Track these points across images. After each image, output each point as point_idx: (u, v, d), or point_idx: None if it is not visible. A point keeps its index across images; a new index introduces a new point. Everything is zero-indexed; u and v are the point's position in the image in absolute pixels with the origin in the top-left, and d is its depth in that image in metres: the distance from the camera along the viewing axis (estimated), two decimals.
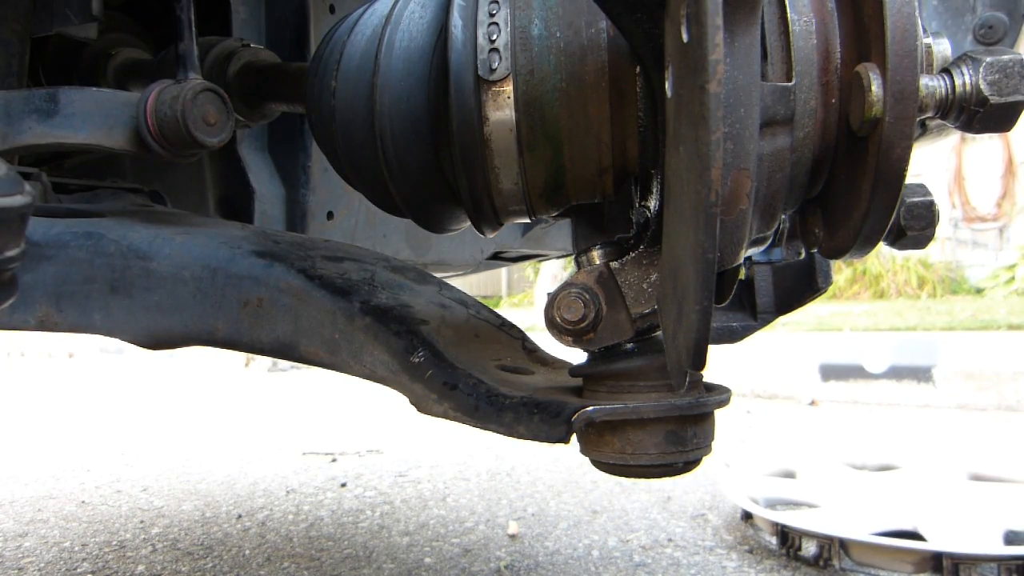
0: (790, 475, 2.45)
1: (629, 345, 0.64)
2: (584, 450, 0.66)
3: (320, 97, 0.76)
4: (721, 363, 4.17)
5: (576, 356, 0.69)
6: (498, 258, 1.77)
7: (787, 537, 1.89)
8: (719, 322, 0.86)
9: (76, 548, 2.07)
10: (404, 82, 0.69)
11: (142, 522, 2.30)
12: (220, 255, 0.82)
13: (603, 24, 0.61)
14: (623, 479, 1.37)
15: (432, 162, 0.71)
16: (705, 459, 0.66)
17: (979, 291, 9.33)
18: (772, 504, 2.21)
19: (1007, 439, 3.28)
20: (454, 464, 2.98)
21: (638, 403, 0.61)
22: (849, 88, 0.51)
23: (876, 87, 0.48)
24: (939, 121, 0.53)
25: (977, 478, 2.31)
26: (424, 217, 0.78)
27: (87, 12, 0.92)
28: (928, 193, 0.65)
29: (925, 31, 0.54)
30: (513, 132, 0.63)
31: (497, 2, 0.63)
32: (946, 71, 0.51)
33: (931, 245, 0.77)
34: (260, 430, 3.90)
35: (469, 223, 0.76)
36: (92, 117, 0.86)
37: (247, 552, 2.00)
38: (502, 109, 0.62)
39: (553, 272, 9.56)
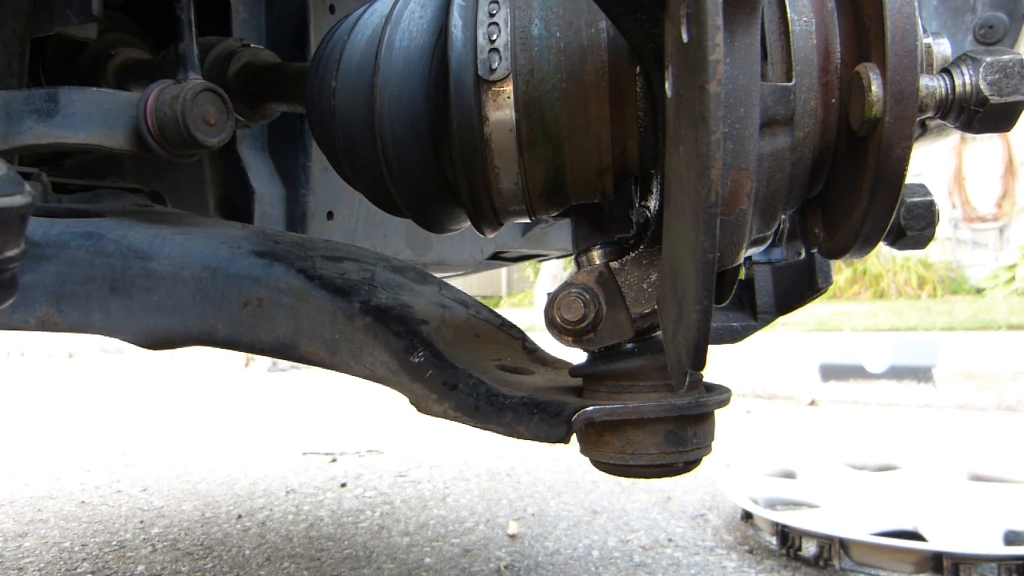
0: (790, 475, 2.45)
1: (629, 345, 0.64)
2: (584, 450, 0.66)
3: (320, 97, 0.76)
4: (721, 363, 4.17)
5: (576, 356, 0.69)
6: (498, 258, 1.77)
7: (787, 537, 1.89)
8: (719, 322, 0.86)
9: (76, 548, 2.07)
10: (404, 82, 0.69)
11: (142, 522, 2.30)
12: (220, 255, 0.82)
13: (603, 24, 0.61)
14: (623, 479, 1.37)
15: (432, 162, 0.71)
16: (705, 459, 0.66)
17: (979, 291, 9.33)
18: (772, 504, 2.21)
19: (1007, 439, 3.28)
20: (454, 464, 2.98)
21: (638, 403, 0.61)
22: (849, 88, 0.51)
23: (876, 87, 0.48)
24: (939, 121, 0.53)
25: (977, 478, 2.31)
26: (424, 217, 0.78)
27: (87, 12, 0.92)
28: (928, 193, 0.65)
29: (925, 31, 0.54)
30: (513, 132, 0.63)
31: (497, 2, 0.63)
32: (946, 71, 0.51)
33: (931, 245, 0.77)
34: (260, 430, 3.90)
35: (469, 223, 0.76)
36: (92, 117, 0.86)
37: (247, 552, 2.00)
38: (502, 109, 0.62)
39: (553, 272, 9.55)
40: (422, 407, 0.69)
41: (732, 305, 0.87)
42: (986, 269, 9.70)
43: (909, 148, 0.48)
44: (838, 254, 0.57)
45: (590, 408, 0.61)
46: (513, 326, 0.86)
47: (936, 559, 1.69)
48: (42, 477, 2.92)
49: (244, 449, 3.38)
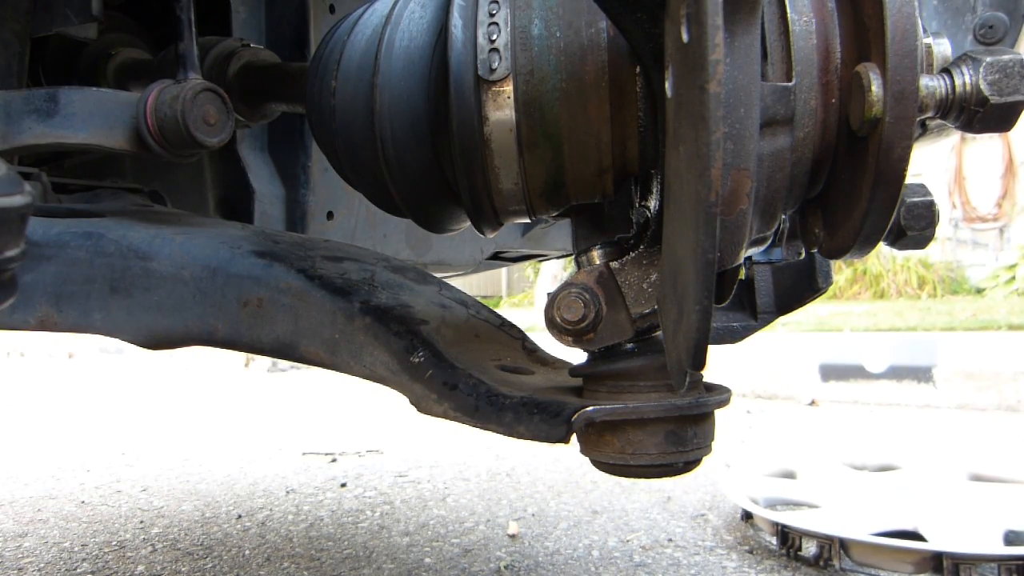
0: (790, 475, 2.45)
1: (629, 345, 0.64)
2: (584, 450, 0.66)
3: (320, 97, 0.76)
4: (721, 363, 4.17)
5: (576, 356, 0.69)
6: (498, 258, 1.77)
7: (787, 537, 1.89)
8: (719, 322, 0.86)
9: (76, 548, 2.07)
10: (404, 82, 0.69)
11: (142, 522, 2.30)
12: (220, 255, 0.82)
13: (603, 24, 0.61)
14: (623, 479, 1.37)
15: (432, 162, 0.71)
16: (705, 459, 0.66)
17: (979, 291, 9.33)
18: (772, 504, 2.21)
19: (1007, 439, 3.28)
20: (454, 464, 2.98)
21: (638, 403, 0.61)
22: (849, 88, 0.51)
23: (876, 87, 0.48)
24: (939, 121, 0.53)
25: (977, 478, 2.31)
26: (424, 217, 0.78)
27: (87, 12, 0.92)
28: (928, 193, 0.65)
29: (925, 31, 0.54)
30: (513, 132, 0.63)
31: (497, 2, 0.63)
32: (946, 71, 0.51)
33: (931, 245, 0.77)
34: (260, 430, 3.90)
35: (469, 223, 0.76)
36: (92, 117, 0.86)
37: (247, 552, 2.00)
38: (502, 109, 0.62)
39: (553, 272, 9.55)
40: (422, 407, 0.69)
41: (732, 305, 0.87)
42: (986, 269, 9.70)
43: (909, 148, 0.48)
44: (838, 254, 0.57)
45: (590, 408, 0.61)
46: (513, 326, 0.86)
47: (936, 559, 1.68)
48: (42, 477, 2.92)
49: (244, 449, 3.38)
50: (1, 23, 0.92)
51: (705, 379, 0.68)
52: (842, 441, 3.27)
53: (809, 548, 1.84)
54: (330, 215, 1.33)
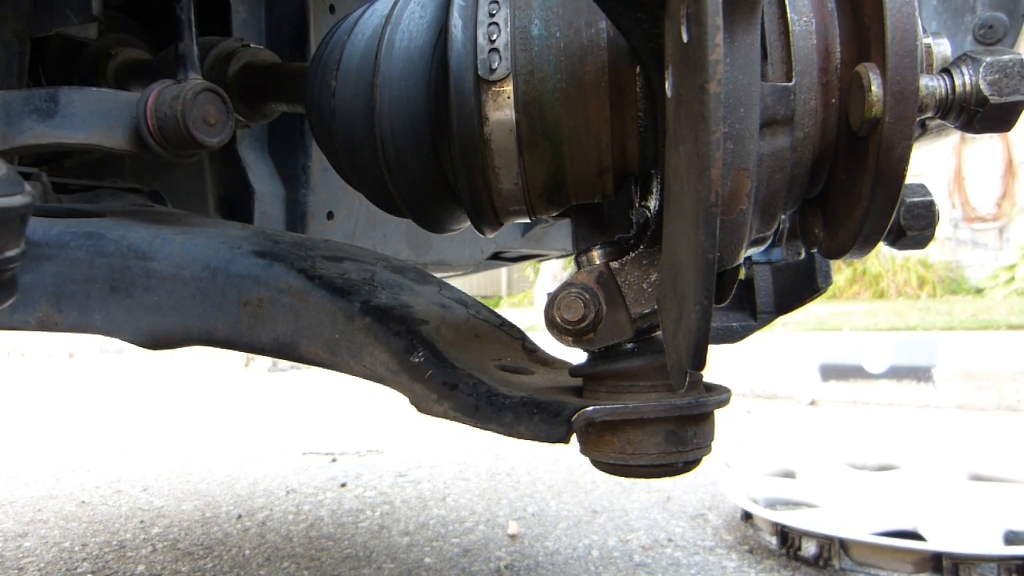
0: (790, 475, 2.45)
1: (629, 345, 0.64)
2: (584, 450, 0.66)
3: (320, 97, 0.76)
4: (721, 363, 4.17)
5: (576, 356, 0.69)
6: (498, 258, 1.77)
7: (787, 537, 1.89)
8: (719, 322, 0.86)
9: (76, 548, 2.07)
10: (404, 82, 0.69)
11: (142, 522, 2.30)
12: (220, 255, 0.82)
13: (603, 24, 0.61)
14: (623, 479, 1.37)
15: (432, 162, 0.71)
16: (705, 459, 0.66)
17: (979, 291, 9.33)
18: (772, 504, 2.21)
19: (1007, 439, 3.28)
20: (454, 464, 2.98)
21: (638, 403, 0.61)
22: (849, 88, 0.51)
23: (876, 87, 0.48)
24: (939, 121, 0.53)
25: (977, 478, 2.31)
26: (424, 217, 0.78)
27: (87, 12, 0.92)
28: (928, 193, 0.65)
29: (925, 31, 0.54)
30: (513, 132, 0.63)
31: (497, 2, 0.63)
32: (946, 71, 0.51)
33: (931, 245, 0.77)
34: (260, 430, 3.90)
35: (469, 223, 0.76)
36: (92, 117, 0.86)
37: (247, 552, 2.00)
38: (502, 109, 0.62)
39: (553, 272, 9.55)
40: (422, 407, 0.69)
41: (732, 305, 0.87)
42: (986, 269, 9.70)
43: (909, 148, 0.48)
44: (838, 254, 0.57)
45: (590, 408, 0.61)
46: (513, 326, 0.86)
47: (936, 559, 1.69)
48: (42, 477, 2.92)
49: (244, 449, 3.38)
50: (1, 23, 0.92)
51: (705, 379, 0.68)
52: (842, 441, 3.27)
53: (809, 548, 1.84)
54: (330, 215, 1.33)
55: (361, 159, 0.74)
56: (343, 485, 2.69)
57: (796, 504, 2.22)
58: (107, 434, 3.85)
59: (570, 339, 0.62)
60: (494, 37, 0.62)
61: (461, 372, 0.68)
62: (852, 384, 4.51)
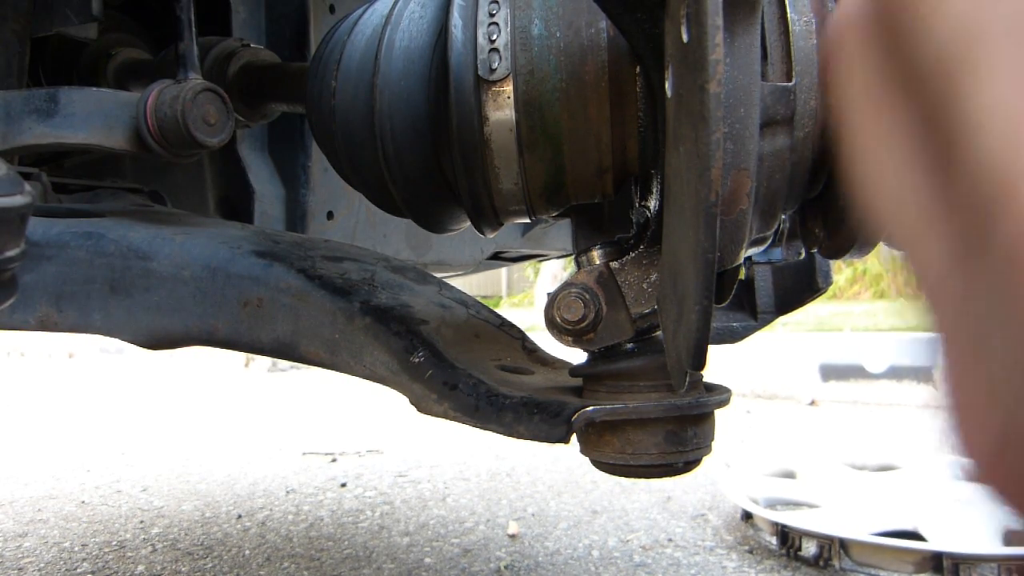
0: (790, 475, 2.45)
1: (629, 345, 0.64)
2: (584, 450, 0.66)
3: (320, 97, 0.76)
4: (721, 363, 4.16)
5: (576, 356, 0.69)
6: (498, 258, 1.77)
7: (787, 537, 1.89)
8: (719, 322, 0.86)
9: (76, 548, 2.07)
10: (404, 82, 0.69)
11: (142, 522, 2.30)
12: (220, 255, 0.82)
13: (603, 24, 0.61)
14: (623, 479, 1.37)
15: (432, 162, 0.71)
16: (705, 459, 0.66)
17: None
18: (772, 504, 2.21)
19: None
20: (454, 464, 2.98)
21: (638, 403, 0.61)
22: None
23: None
24: None
25: None
26: (424, 217, 0.78)
27: (87, 12, 0.93)
28: None
29: None
30: (513, 132, 0.63)
31: (497, 2, 0.63)
32: None
33: None
34: (260, 430, 3.90)
35: (469, 223, 0.76)
36: (92, 117, 0.86)
37: (247, 552, 2.00)
38: (502, 109, 0.62)
39: (553, 272, 9.55)
40: (422, 407, 0.69)
41: (732, 305, 0.87)
42: None
43: None
44: (838, 254, 0.57)
45: (590, 408, 0.61)
46: (513, 326, 0.86)
47: (936, 559, 1.68)
48: (42, 477, 2.92)
49: (244, 449, 3.38)
50: (1, 23, 0.92)
51: (705, 379, 0.68)
52: (842, 441, 3.27)
53: (809, 548, 1.84)
54: (330, 215, 1.33)
55: (361, 159, 0.74)
56: (343, 485, 2.69)
57: (796, 504, 2.22)
58: (107, 434, 3.85)
59: (570, 339, 0.62)
60: (494, 37, 0.62)
61: (461, 372, 0.68)
62: (852, 384, 4.51)
